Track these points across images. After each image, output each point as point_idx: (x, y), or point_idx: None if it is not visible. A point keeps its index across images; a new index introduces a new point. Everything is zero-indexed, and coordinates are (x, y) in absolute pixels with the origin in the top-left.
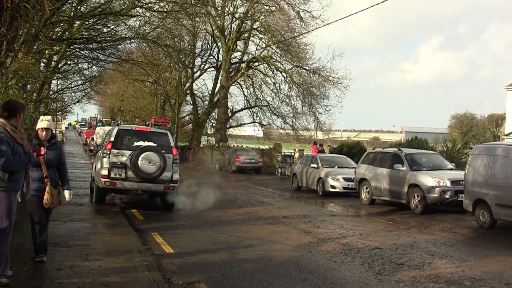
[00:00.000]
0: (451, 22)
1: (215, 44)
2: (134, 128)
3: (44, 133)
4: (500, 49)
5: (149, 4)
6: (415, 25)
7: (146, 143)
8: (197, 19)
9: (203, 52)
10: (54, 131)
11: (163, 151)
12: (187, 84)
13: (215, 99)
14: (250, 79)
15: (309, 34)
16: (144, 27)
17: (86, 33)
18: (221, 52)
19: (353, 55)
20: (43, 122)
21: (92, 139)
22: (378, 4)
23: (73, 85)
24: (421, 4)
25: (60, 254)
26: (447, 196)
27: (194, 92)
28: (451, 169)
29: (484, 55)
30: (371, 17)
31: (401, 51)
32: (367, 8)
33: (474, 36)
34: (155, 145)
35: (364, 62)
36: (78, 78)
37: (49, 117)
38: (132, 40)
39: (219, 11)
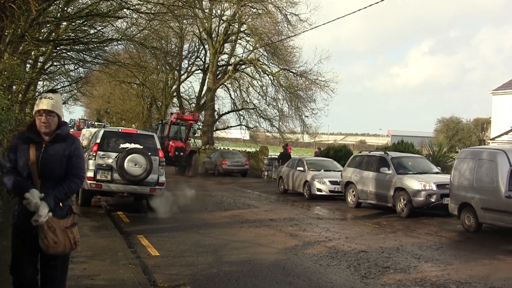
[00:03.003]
0: (443, 26)
1: (202, 47)
2: (120, 130)
3: (43, 118)
4: (490, 54)
5: (136, 6)
6: (406, 30)
7: (133, 145)
8: (184, 21)
9: (190, 54)
10: (62, 117)
11: (150, 153)
12: (174, 87)
13: (202, 101)
14: (237, 82)
15: (297, 37)
16: (131, 29)
17: (72, 34)
18: (208, 54)
19: (342, 59)
20: (42, 102)
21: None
22: (365, 7)
23: (59, 87)
24: (413, 8)
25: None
26: (433, 200)
27: (181, 94)
28: (437, 173)
29: (474, 60)
30: (362, 21)
31: (391, 55)
32: (354, 12)
33: (465, 40)
34: (142, 147)
35: (353, 65)
36: (65, 80)
37: (54, 94)
38: (119, 42)
39: (207, 14)
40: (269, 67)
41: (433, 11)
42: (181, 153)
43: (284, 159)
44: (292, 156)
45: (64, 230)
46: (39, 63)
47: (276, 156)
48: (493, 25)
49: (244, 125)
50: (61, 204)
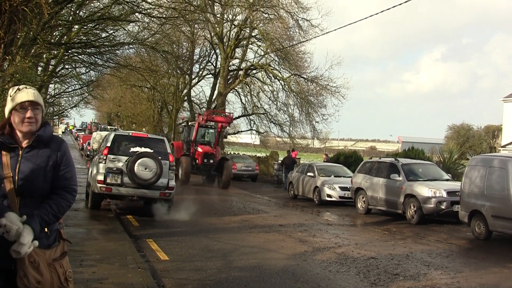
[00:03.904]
0: (456, 33)
1: (213, 51)
2: (131, 134)
3: (29, 113)
4: (502, 60)
5: (148, 10)
6: (419, 36)
7: (143, 149)
8: (196, 25)
9: (201, 58)
10: (44, 114)
11: (160, 157)
12: (185, 91)
13: (213, 106)
14: (248, 87)
15: (308, 43)
16: (142, 33)
17: (84, 38)
18: (219, 59)
19: (355, 65)
20: (23, 92)
21: (89, 144)
22: (377, 14)
23: (70, 90)
24: (426, 15)
25: None
26: (443, 207)
27: (192, 98)
28: (447, 180)
29: (486, 67)
30: (375, 27)
31: (403, 61)
32: (366, 18)
33: (478, 47)
34: (152, 151)
35: (365, 71)
36: (76, 83)
37: (30, 89)
38: (131, 46)
39: (218, 18)
40: (280, 72)
41: (446, 18)
42: (211, 160)
43: (287, 164)
44: (298, 162)
45: (51, 265)
46: (50, 66)
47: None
48: (506, 32)
49: (254, 130)
50: (47, 230)
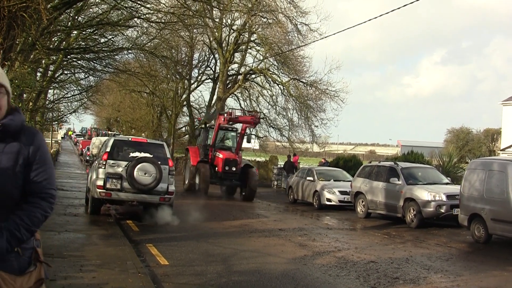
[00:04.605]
0: (455, 36)
1: (212, 56)
2: (130, 139)
3: None
4: (502, 64)
5: (146, 15)
6: (419, 40)
7: (142, 154)
8: (194, 30)
9: (200, 63)
10: (9, 91)
11: (159, 162)
12: (184, 96)
13: (212, 110)
14: (247, 91)
15: (307, 47)
16: (141, 38)
17: (83, 43)
18: (218, 63)
19: (354, 69)
20: None
21: (88, 149)
22: (375, 18)
23: (69, 95)
24: (426, 18)
25: (54, 265)
26: (442, 211)
27: (191, 103)
28: (447, 184)
29: (486, 70)
30: (374, 31)
31: (402, 65)
32: (365, 22)
33: (477, 50)
34: (151, 156)
35: (364, 75)
36: (75, 88)
37: None
38: (129, 51)
39: (217, 23)
40: (279, 77)
41: (446, 21)
42: (233, 168)
43: (286, 168)
44: (298, 166)
45: None
46: (49, 72)
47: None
48: (505, 35)
49: (253, 134)
50: (17, 249)
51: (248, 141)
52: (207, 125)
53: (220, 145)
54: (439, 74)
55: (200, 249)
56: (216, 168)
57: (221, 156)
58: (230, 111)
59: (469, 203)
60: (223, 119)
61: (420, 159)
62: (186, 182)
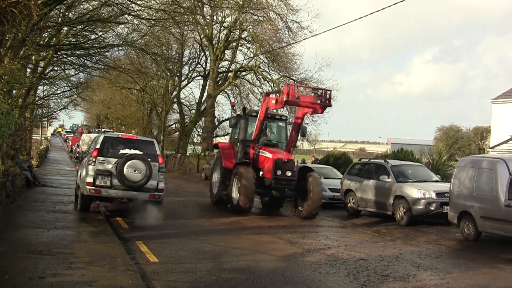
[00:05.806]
0: (447, 35)
1: (203, 53)
2: (120, 136)
3: None
4: (493, 62)
5: (137, 12)
6: (410, 38)
7: (132, 151)
8: (185, 27)
9: (190, 60)
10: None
11: (149, 160)
12: (174, 93)
13: (202, 108)
14: (237, 89)
15: (297, 45)
16: (132, 35)
17: (73, 40)
18: (208, 61)
19: (345, 66)
20: None
21: (78, 146)
22: (366, 16)
23: (59, 92)
24: (417, 16)
25: (43, 262)
26: (432, 208)
27: (181, 100)
28: (436, 181)
29: (477, 68)
30: (366, 29)
31: (394, 63)
32: (355, 20)
33: (469, 49)
34: (141, 153)
35: (356, 73)
36: (65, 85)
37: None
38: (120, 47)
39: (208, 20)
40: (269, 74)
41: (437, 19)
42: (288, 173)
43: None
44: None
45: None
46: (39, 68)
47: None
48: (497, 34)
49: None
50: None
51: (303, 135)
52: (247, 111)
53: (264, 141)
54: (430, 72)
55: (190, 246)
56: (261, 173)
57: (269, 155)
58: (287, 88)
59: (459, 200)
60: (274, 102)
61: (410, 157)
62: (215, 191)
